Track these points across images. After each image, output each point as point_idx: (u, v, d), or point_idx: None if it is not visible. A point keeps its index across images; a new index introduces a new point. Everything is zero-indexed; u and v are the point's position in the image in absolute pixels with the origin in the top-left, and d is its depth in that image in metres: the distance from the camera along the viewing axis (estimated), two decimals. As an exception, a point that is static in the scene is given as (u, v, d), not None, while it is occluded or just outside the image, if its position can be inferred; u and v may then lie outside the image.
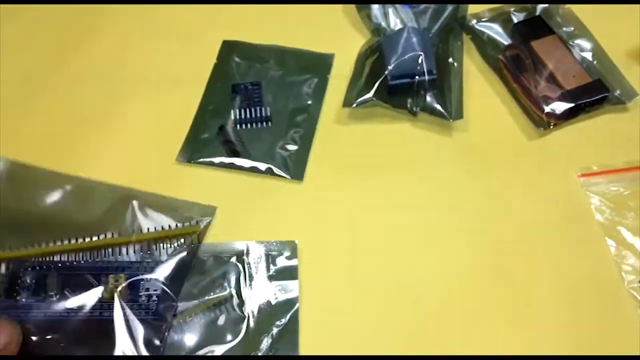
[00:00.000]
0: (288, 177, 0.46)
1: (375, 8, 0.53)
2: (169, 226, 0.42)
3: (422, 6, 0.53)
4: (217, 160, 0.46)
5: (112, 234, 0.41)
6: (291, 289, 0.40)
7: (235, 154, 0.46)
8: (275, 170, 0.46)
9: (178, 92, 0.50)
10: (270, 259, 0.41)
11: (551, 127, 0.48)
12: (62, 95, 0.51)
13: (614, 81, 0.50)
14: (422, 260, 0.42)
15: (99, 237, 0.41)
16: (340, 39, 0.54)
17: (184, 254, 0.40)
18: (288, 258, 0.41)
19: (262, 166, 0.46)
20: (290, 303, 0.39)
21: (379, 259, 0.42)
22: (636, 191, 0.45)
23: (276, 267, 0.41)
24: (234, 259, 0.41)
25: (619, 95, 0.49)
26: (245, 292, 0.40)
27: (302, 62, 0.52)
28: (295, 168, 0.46)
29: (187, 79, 0.51)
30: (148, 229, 0.41)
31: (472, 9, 0.55)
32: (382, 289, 0.41)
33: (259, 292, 0.40)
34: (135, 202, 0.42)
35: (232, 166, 0.46)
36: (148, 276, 0.39)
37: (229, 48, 0.53)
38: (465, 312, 0.40)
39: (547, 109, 0.48)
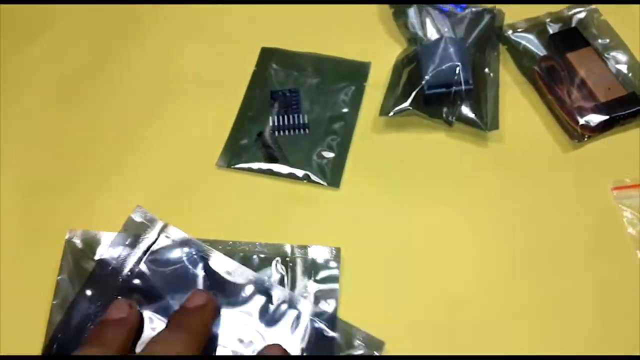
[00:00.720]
0: (325, 184, 0.47)
1: (412, 17, 0.54)
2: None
3: (459, 15, 0.54)
4: (255, 166, 0.48)
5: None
6: (331, 295, 0.41)
7: (273, 160, 0.48)
8: (313, 177, 0.47)
9: (217, 98, 0.52)
10: (312, 263, 0.42)
11: (585, 139, 0.48)
12: (102, 101, 0.52)
13: (649, 94, 0.50)
14: (457, 269, 0.43)
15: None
16: (377, 48, 0.55)
17: None
18: (330, 265, 0.42)
19: (300, 172, 0.47)
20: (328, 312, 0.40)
21: (415, 267, 0.43)
22: (669, 205, 0.45)
23: (318, 272, 0.42)
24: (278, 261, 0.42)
25: (653, 109, 0.49)
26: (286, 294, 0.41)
27: (339, 70, 0.53)
28: (332, 175, 0.47)
29: (226, 85, 0.53)
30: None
31: (509, 19, 0.55)
32: (417, 295, 0.42)
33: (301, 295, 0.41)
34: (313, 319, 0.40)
35: (270, 172, 0.47)
36: None
37: (267, 55, 0.54)
38: (499, 322, 0.41)
39: (581, 121, 0.48)
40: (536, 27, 0.55)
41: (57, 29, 0.57)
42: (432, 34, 0.53)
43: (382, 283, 0.42)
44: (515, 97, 0.51)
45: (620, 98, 0.49)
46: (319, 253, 0.43)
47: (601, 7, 0.55)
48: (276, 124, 0.50)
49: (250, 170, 0.48)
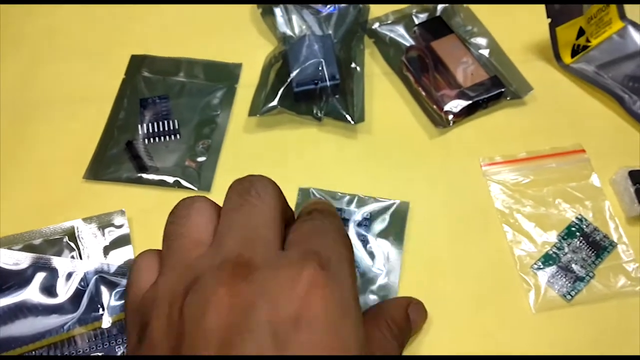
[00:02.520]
0: (195, 188, 0.46)
1: (279, 16, 0.54)
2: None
3: (326, 12, 0.55)
4: (124, 175, 0.47)
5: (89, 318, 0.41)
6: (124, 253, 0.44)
7: (142, 169, 0.47)
8: (183, 182, 0.47)
9: (86, 111, 0.51)
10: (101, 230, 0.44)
11: (451, 124, 0.50)
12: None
13: (510, 77, 0.52)
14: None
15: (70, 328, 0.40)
16: (249, 49, 0.55)
17: None
18: (119, 226, 0.44)
19: (170, 179, 0.47)
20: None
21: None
22: (535, 180, 0.47)
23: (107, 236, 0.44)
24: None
25: (514, 90, 0.51)
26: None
27: (211, 73, 0.53)
28: (203, 179, 0.47)
29: (95, 96, 0.52)
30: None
31: (376, 12, 0.56)
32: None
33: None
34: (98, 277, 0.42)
35: (140, 180, 0.47)
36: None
37: (137, 63, 0.54)
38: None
39: (446, 107, 0.50)
40: (403, 19, 0.56)
41: None
42: (301, 31, 0.54)
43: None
44: (383, 89, 0.52)
45: (482, 82, 0.51)
46: (106, 219, 0.44)
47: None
48: (146, 131, 0.49)
49: (119, 180, 0.47)
